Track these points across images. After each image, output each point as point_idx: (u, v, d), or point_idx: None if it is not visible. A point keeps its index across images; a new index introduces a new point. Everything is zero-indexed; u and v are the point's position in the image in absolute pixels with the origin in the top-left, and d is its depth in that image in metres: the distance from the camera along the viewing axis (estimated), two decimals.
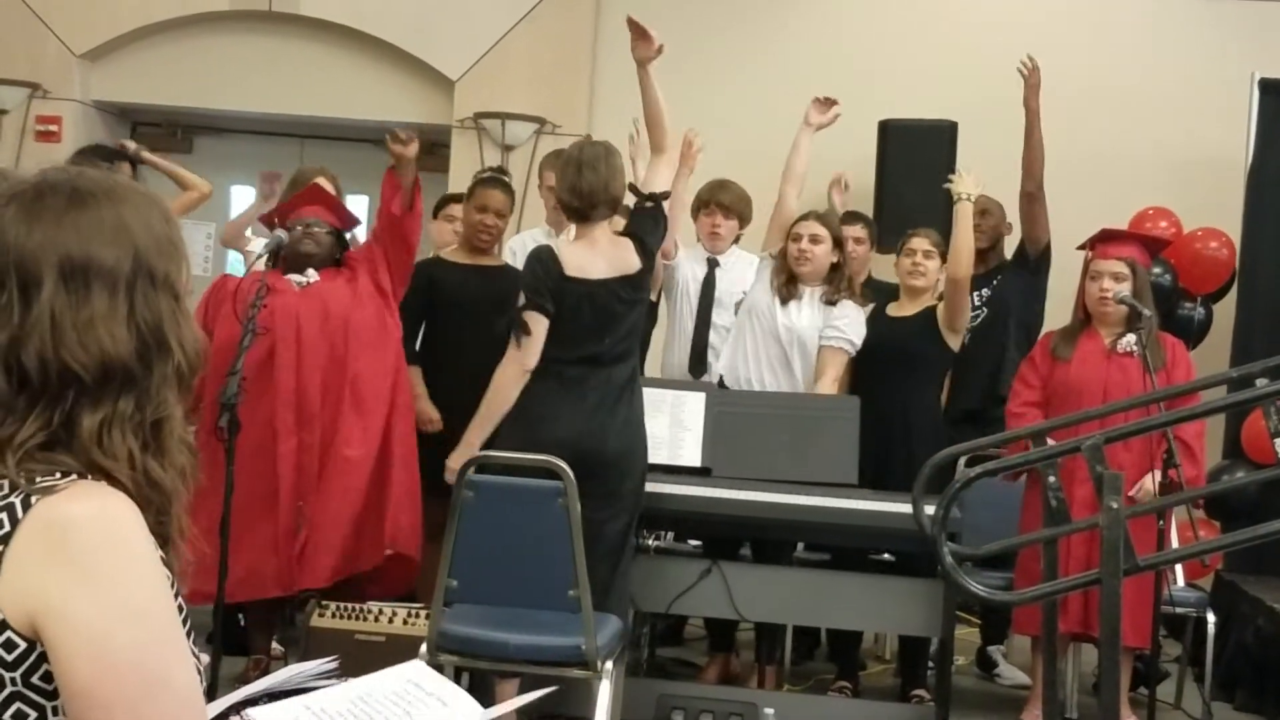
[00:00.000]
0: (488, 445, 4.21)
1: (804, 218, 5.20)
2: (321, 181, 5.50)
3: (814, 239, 5.11)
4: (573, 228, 5.52)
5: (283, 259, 4.82)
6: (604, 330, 4.27)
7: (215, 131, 8.44)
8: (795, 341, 5.09)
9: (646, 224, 4.44)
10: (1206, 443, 6.03)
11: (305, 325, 4.68)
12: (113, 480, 1.38)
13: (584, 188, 4.29)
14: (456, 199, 5.93)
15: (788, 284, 5.14)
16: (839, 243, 5.15)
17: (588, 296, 4.26)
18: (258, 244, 5.52)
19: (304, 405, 4.63)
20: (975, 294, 5.75)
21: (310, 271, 4.81)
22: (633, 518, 4.31)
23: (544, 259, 4.34)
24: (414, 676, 1.83)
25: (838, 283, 5.12)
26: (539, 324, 4.25)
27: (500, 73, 7.65)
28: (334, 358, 4.70)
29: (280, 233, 4.86)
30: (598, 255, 4.31)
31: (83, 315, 1.39)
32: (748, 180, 5.80)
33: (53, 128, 7.88)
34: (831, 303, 5.09)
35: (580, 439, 4.12)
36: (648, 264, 4.40)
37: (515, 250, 5.64)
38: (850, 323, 5.07)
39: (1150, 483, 4.67)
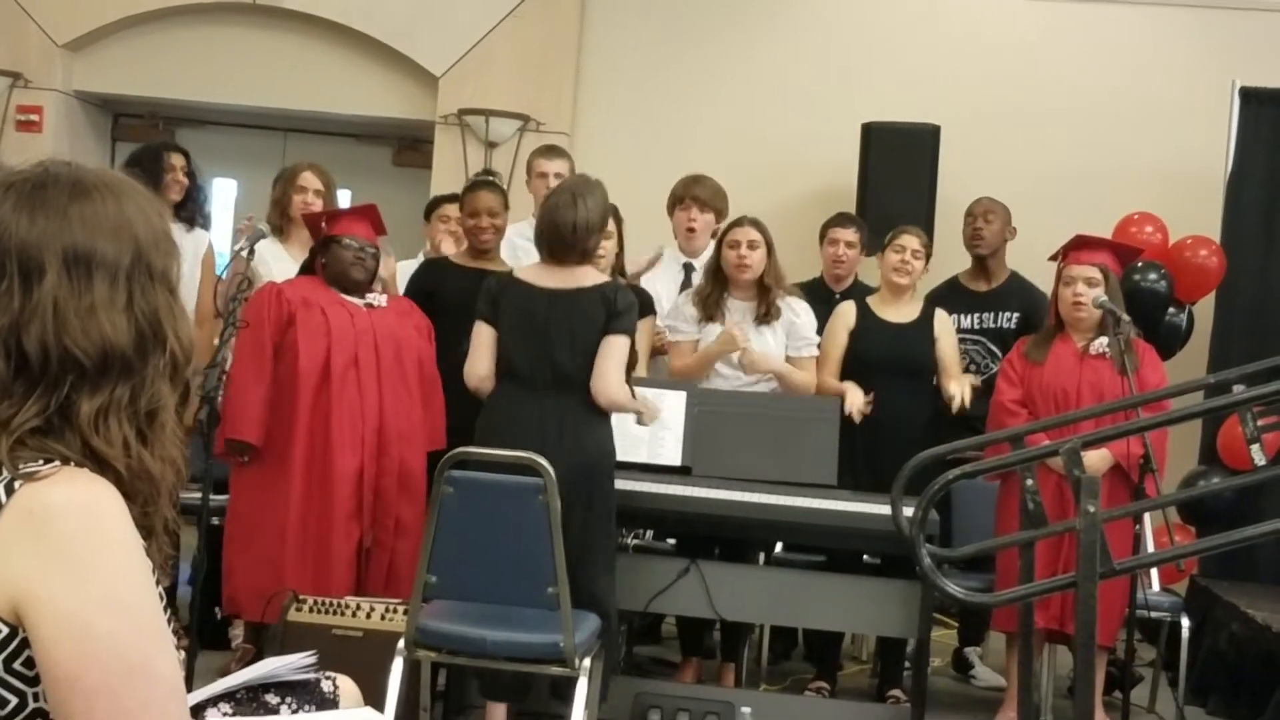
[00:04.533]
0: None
1: (738, 223, 5.15)
2: (311, 176, 5.49)
3: (751, 245, 5.08)
4: None
5: (321, 267, 4.78)
6: (552, 340, 4.15)
7: (198, 124, 8.41)
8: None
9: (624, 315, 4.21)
10: (1183, 448, 6.09)
11: (383, 347, 4.69)
12: (105, 468, 1.39)
13: (564, 231, 4.17)
14: (449, 200, 5.92)
15: (712, 299, 5.08)
16: (771, 249, 5.13)
17: (534, 300, 4.19)
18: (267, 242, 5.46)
19: (384, 429, 4.64)
20: (977, 316, 5.81)
21: (379, 296, 4.80)
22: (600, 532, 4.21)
23: (499, 273, 4.44)
24: (366, 718, 1.87)
25: (773, 295, 5.10)
26: (481, 331, 4.25)
27: (484, 69, 7.64)
28: (407, 385, 4.73)
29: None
30: (550, 271, 4.25)
31: (84, 303, 1.41)
32: (732, 179, 5.81)
33: (34, 118, 7.85)
34: (764, 321, 5.10)
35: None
36: (611, 304, 4.17)
37: (503, 245, 5.64)
38: (807, 324, 5.16)
39: (1098, 460, 4.68)
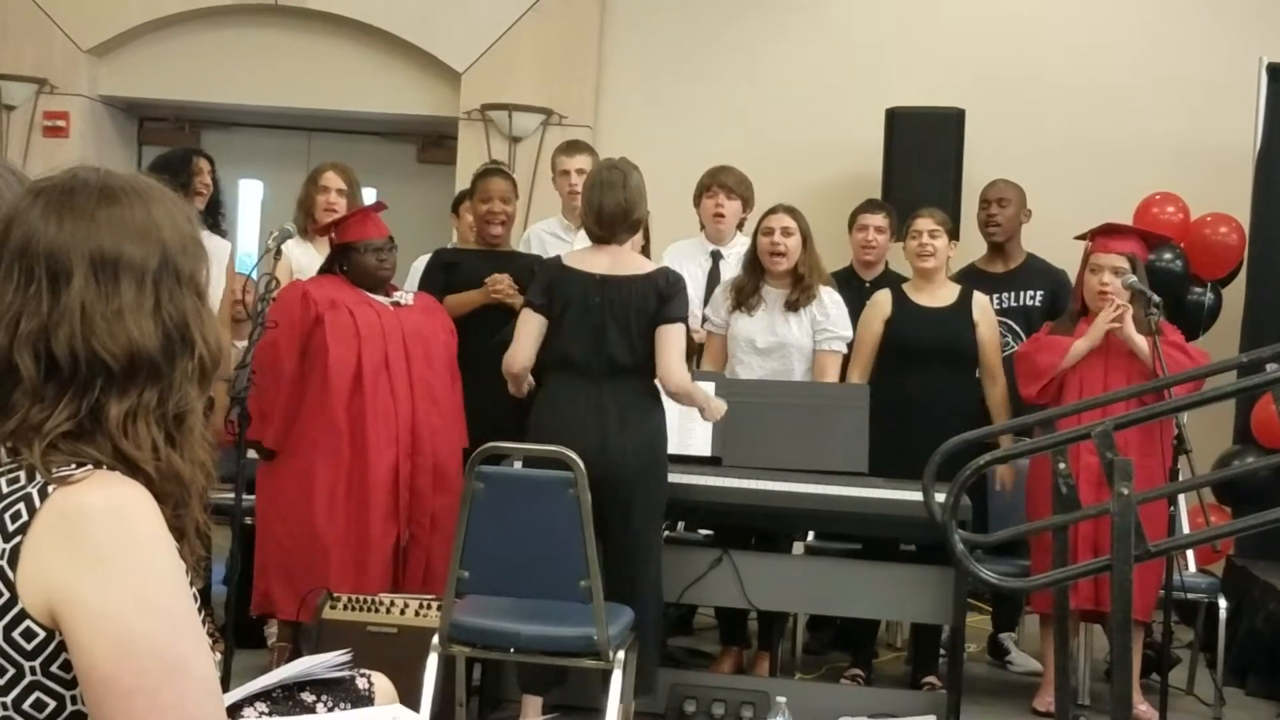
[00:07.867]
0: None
1: (773, 211, 5.13)
2: (333, 176, 5.51)
3: (786, 231, 5.07)
4: None
5: (343, 271, 4.77)
6: (606, 328, 4.16)
7: (223, 126, 8.45)
8: (794, 353, 5.10)
9: (676, 301, 4.22)
10: (1218, 428, 6.05)
11: (411, 345, 4.69)
12: (135, 471, 1.40)
13: (605, 213, 4.23)
14: None
15: (748, 288, 5.07)
16: (807, 239, 5.11)
17: (588, 287, 4.20)
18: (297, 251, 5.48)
19: (417, 427, 4.65)
20: (998, 297, 5.77)
21: (406, 294, 4.82)
22: (655, 519, 4.28)
23: (547, 261, 4.51)
24: (398, 715, 1.88)
25: (806, 283, 5.08)
26: (530, 319, 4.25)
27: (507, 64, 7.65)
28: (438, 382, 4.74)
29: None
30: (602, 254, 4.27)
31: (112, 306, 1.41)
32: (757, 168, 5.80)
33: (60, 123, 7.89)
34: (793, 308, 5.08)
35: (589, 454, 3.95)
36: (662, 291, 4.19)
37: (531, 240, 5.66)
38: (837, 319, 5.12)
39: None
